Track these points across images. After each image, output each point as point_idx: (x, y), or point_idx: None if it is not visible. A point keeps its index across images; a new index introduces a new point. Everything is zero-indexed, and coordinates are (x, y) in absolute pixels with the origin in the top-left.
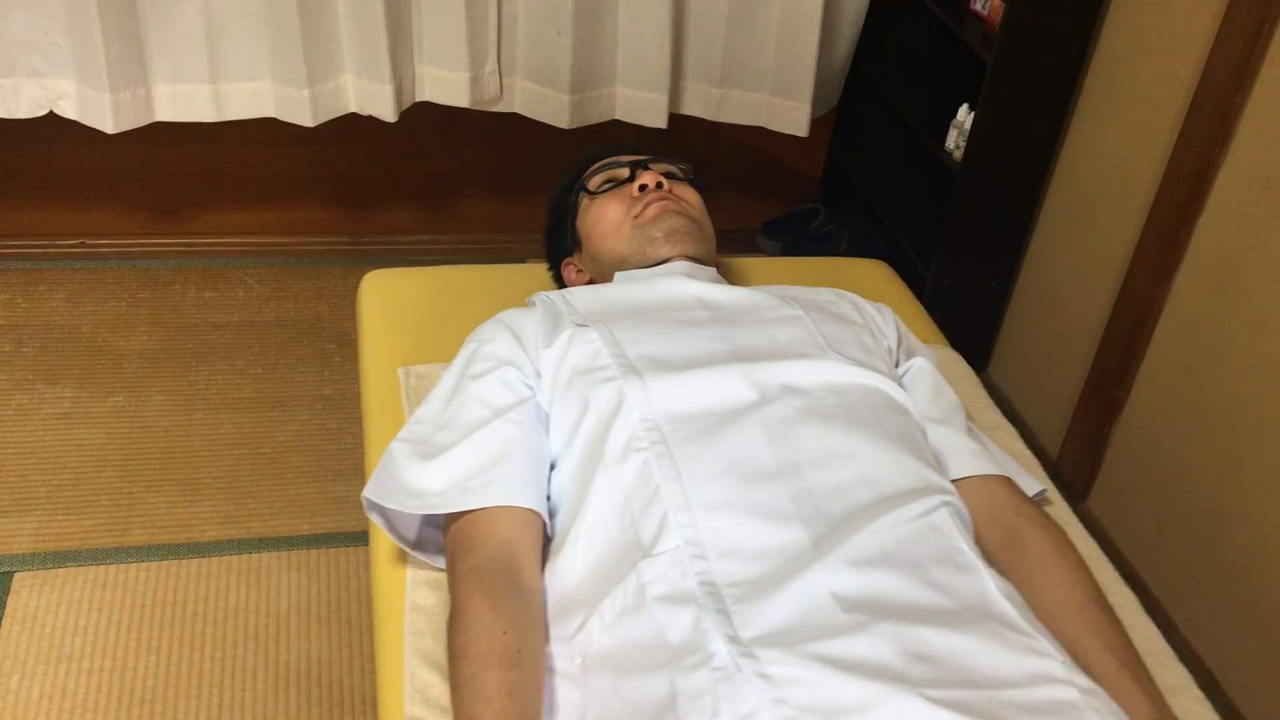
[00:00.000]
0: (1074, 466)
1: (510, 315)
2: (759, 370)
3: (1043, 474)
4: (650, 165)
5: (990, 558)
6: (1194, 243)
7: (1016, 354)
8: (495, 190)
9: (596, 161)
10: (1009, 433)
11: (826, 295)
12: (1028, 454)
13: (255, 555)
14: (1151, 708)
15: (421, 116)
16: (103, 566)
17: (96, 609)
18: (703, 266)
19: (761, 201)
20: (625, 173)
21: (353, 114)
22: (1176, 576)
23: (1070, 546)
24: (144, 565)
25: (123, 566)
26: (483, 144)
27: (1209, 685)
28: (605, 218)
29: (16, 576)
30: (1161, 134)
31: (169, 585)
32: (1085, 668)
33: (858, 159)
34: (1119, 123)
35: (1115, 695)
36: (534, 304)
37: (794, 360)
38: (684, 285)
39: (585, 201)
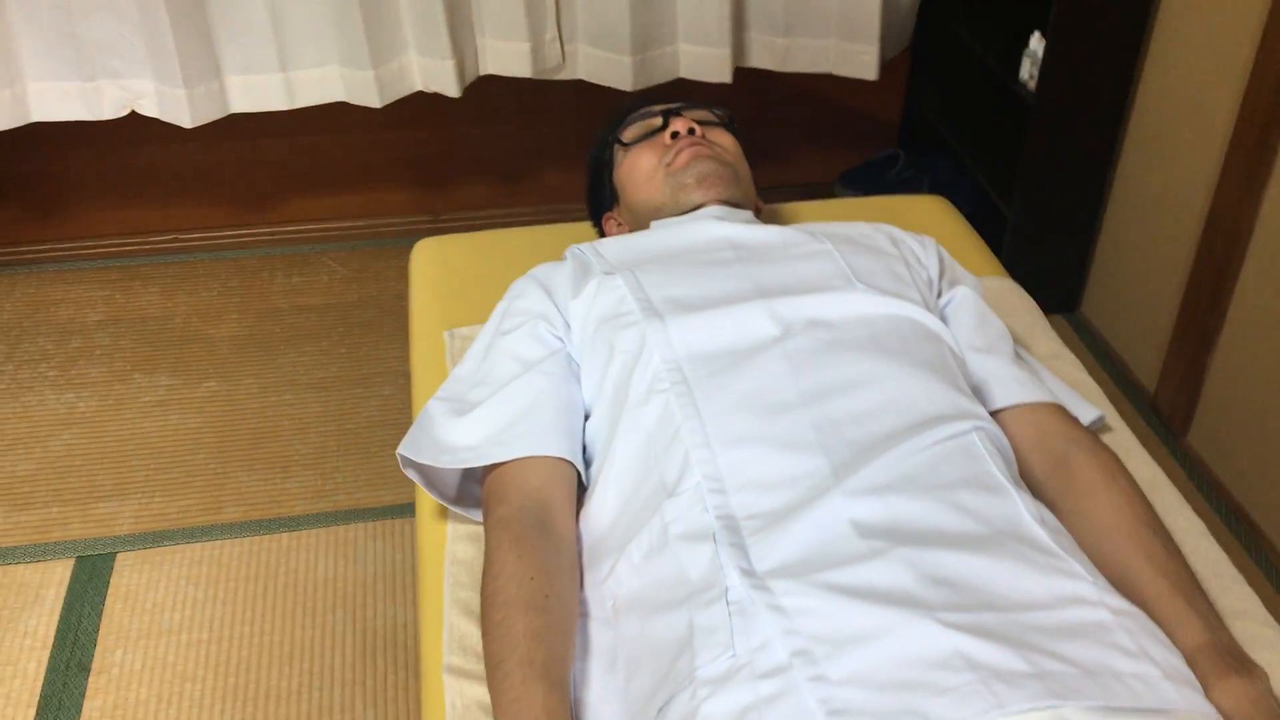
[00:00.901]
0: (1172, 402)
1: (541, 270)
2: (782, 305)
3: (1104, 401)
4: (683, 112)
5: (1039, 485)
6: None
7: (1109, 289)
8: (570, 159)
9: (630, 113)
10: (1068, 361)
11: (861, 229)
12: (1089, 381)
13: (342, 527)
14: (1205, 630)
15: (492, 90)
16: (198, 544)
17: (193, 585)
18: (737, 210)
19: (840, 151)
20: (658, 122)
21: (424, 94)
22: None
23: (1122, 470)
24: (237, 541)
25: (217, 543)
26: (555, 113)
27: None
28: (639, 167)
29: (119, 557)
30: (1243, 46)
31: (261, 559)
32: (1136, 591)
33: (935, 100)
34: (1198, 37)
35: (1167, 618)
36: (566, 257)
37: (819, 294)
38: (713, 228)
39: (620, 154)
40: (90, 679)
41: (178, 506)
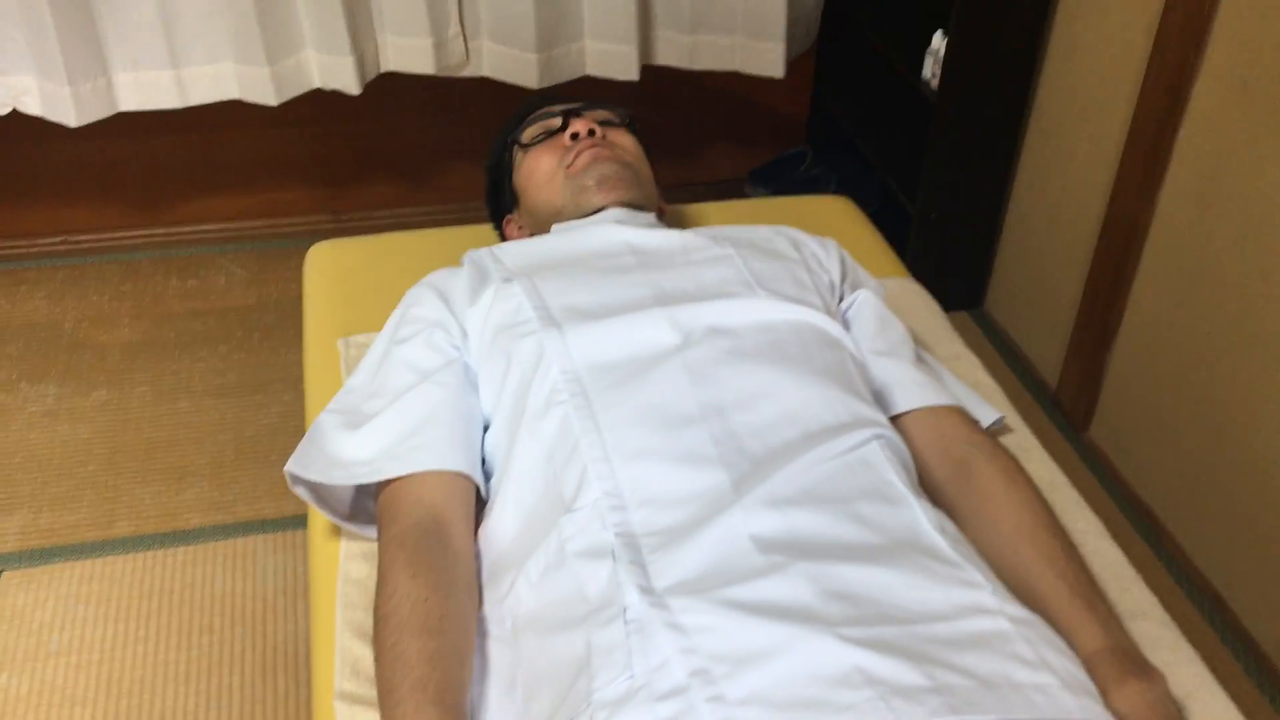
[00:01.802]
0: (1074, 397)
1: (438, 276)
2: (682, 312)
3: (1005, 401)
4: (583, 113)
5: (940, 489)
6: (1176, 155)
7: (1012, 285)
8: (476, 157)
9: (529, 114)
10: (970, 361)
11: (763, 233)
12: (990, 382)
13: (241, 539)
14: (1104, 634)
15: (393, 88)
16: (89, 560)
17: (83, 603)
18: (639, 213)
19: (750, 149)
20: (558, 122)
21: (326, 92)
22: (1181, 501)
23: (1021, 474)
24: (130, 556)
25: (109, 559)
26: (460, 111)
27: (1217, 608)
28: (538, 169)
29: (4, 575)
30: (1137, 46)
31: (155, 575)
32: (1036, 596)
33: (842, 98)
34: (1095, 38)
35: (1066, 622)
36: (464, 263)
37: (719, 300)
38: (614, 232)
39: (519, 155)
40: None
41: (66, 521)
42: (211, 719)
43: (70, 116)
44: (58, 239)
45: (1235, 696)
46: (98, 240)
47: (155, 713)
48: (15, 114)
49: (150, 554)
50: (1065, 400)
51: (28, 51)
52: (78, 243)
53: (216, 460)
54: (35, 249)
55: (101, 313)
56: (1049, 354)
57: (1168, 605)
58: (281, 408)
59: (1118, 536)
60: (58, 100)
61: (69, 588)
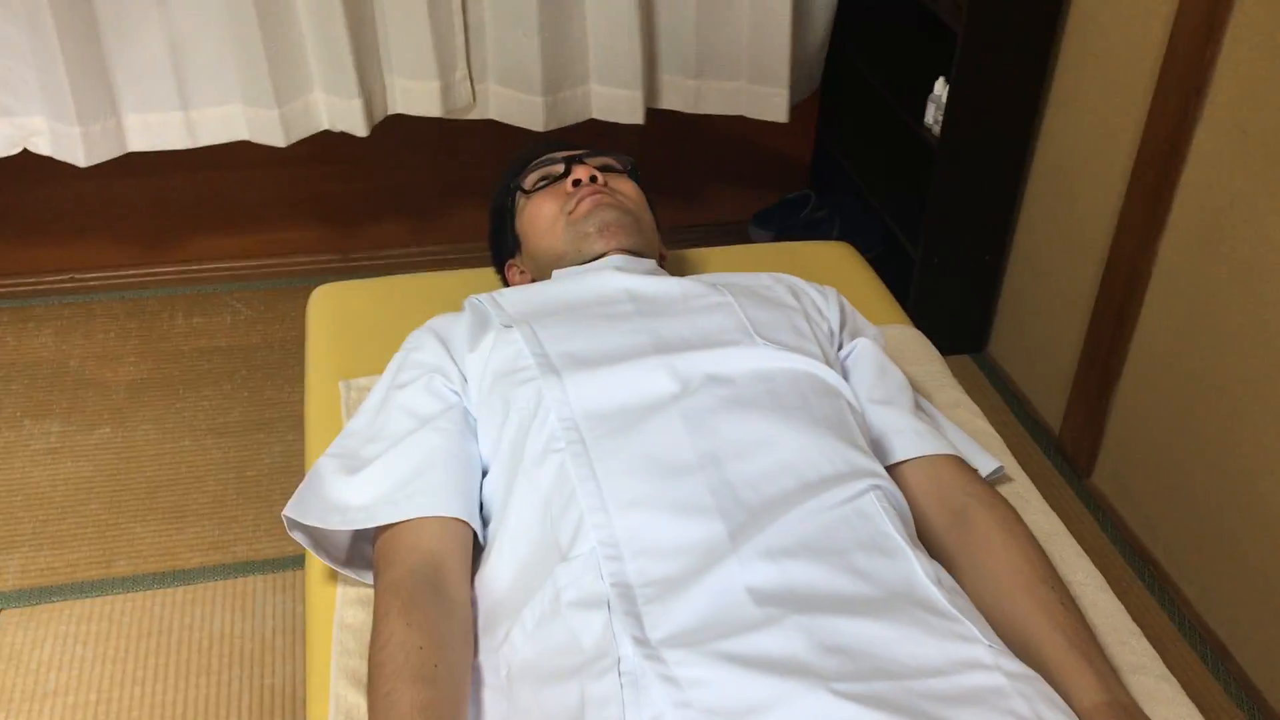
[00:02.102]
0: (1076, 442)
1: (439, 321)
2: (680, 361)
3: (1004, 450)
4: (585, 160)
5: (938, 539)
6: (1177, 202)
7: (1014, 330)
8: (482, 199)
9: (532, 160)
10: (969, 409)
11: (762, 280)
12: (988, 429)
13: (240, 579)
14: (1101, 688)
15: (402, 129)
16: (88, 600)
17: (82, 643)
18: (639, 259)
19: (753, 191)
20: (560, 169)
21: (334, 133)
22: (1186, 549)
23: (1019, 524)
24: (129, 596)
25: (108, 598)
26: (467, 153)
27: (1222, 658)
28: (540, 215)
29: (3, 614)
30: (1138, 93)
31: (154, 615)
32: (1033, 649)
33: (844, 143)
34: (1096, 85)
35: (1063, 676)
36: (465, 308)
37: (718, 349)
38: (613, 279)
39: (522, 201)
40: None
41: (67, 560)
42: None
43: (79, 157)
44: (65, 276)
45: None
46: (105, 278)
47: None
48: (25, 153)
49: (149, 593)
50: (1068, 445)
51: (39, 92)
52: (85, 280)
53: (218, 499)
54: (42, 286)
55: (107, 350)
56: (1052, 399)
57: (1170, 655)
58: (284, 447)
59: (1119, 584)
60: (67, 140)
61: (68, 627)
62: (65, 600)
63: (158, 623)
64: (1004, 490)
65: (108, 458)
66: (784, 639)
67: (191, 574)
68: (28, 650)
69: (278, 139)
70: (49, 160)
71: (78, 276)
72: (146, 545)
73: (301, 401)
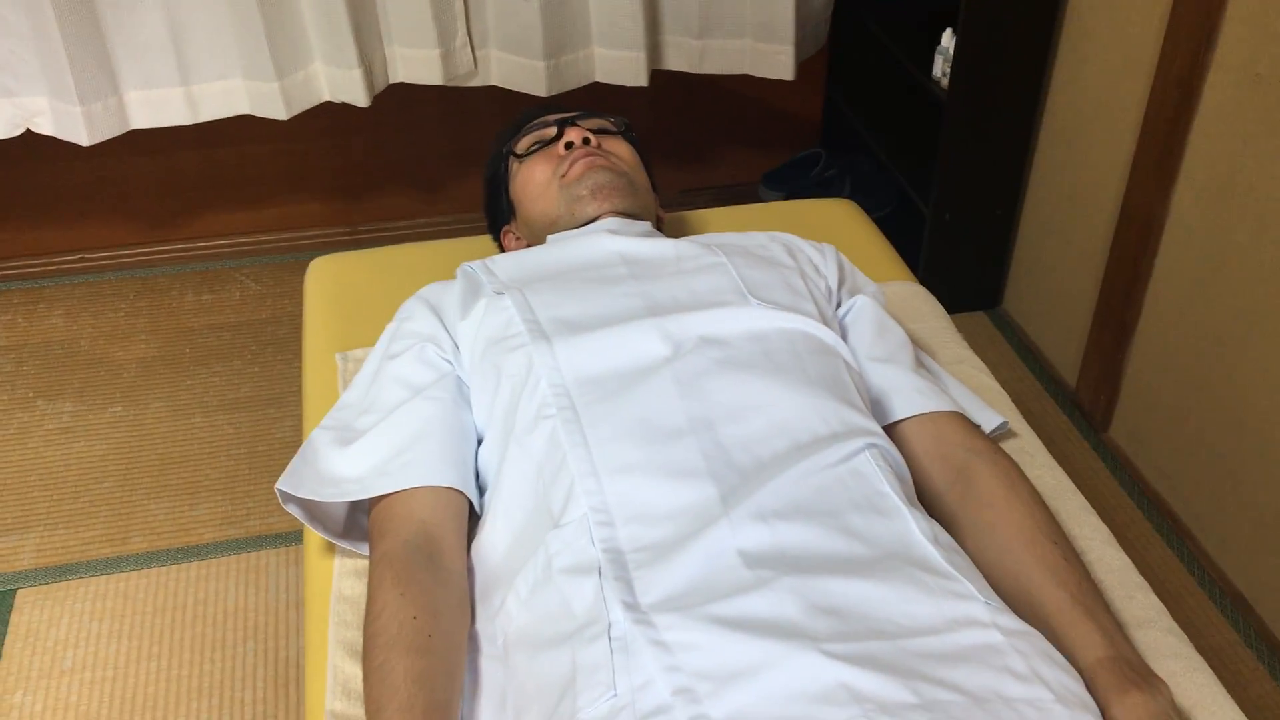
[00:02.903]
0: (1092, 397)
1: (431, 290)
2: (673, 323)
3: (1010, 406)
4: (578, 121)
5: (940, 497)
6: (1190, 150)
7: (1028, 285)
8: None
9: (525, 124)
10: (974, 365)
11: (757, 239)
12: (993, 385)
13: (254, 554)
14: (1105, 643)
15: (405, 99)
16: (103, 577)
17: (97, 620)
18: (633, 222)
19: (763, 152)
20: (552, 132)
21: (337, 104)
22: (1204, 501)
23: (1022, 480)
24: (144, 572)
25: (123, 575)
26: (472, 120)
27: (1241, 610)
28: (533, 180)
29: (19, 594)
30: (1149, 40)
31: (169, 591)
32: (1037, 605)
33: (853, 100)
34: (1106, 31)
35: (1066, 631)
36: (457, 276)
37: (711, 309)
38: (607, 242)
39: (515, 166)
40: None
41: (81, 538)
42: None
43: (82, 136)
44: (75, 257)
45: (1259, 699)
46: (114, 257)
47: None
48: (29, 134)
49: (164, 569)
50: (1084, 400)
51: (39, 73)
52: (94, 260)
53: (230, 475)
54: (53, 267)
55: (118, 329)
56: (1067, 353)
57: (1190, 608)
58: (294, 421)
59: (1139, 539)
60: (70, 120)
61: (83, 605)
62: (80, 578)
63: (172, 598)
64: (1009, 446)
65: (120, 436)
66: (775, 601)
67: (205, 549)
68: (44, 628)
69: (279, 112)
70: (53, 140)
71: (87, 256)
72: (160, 522)
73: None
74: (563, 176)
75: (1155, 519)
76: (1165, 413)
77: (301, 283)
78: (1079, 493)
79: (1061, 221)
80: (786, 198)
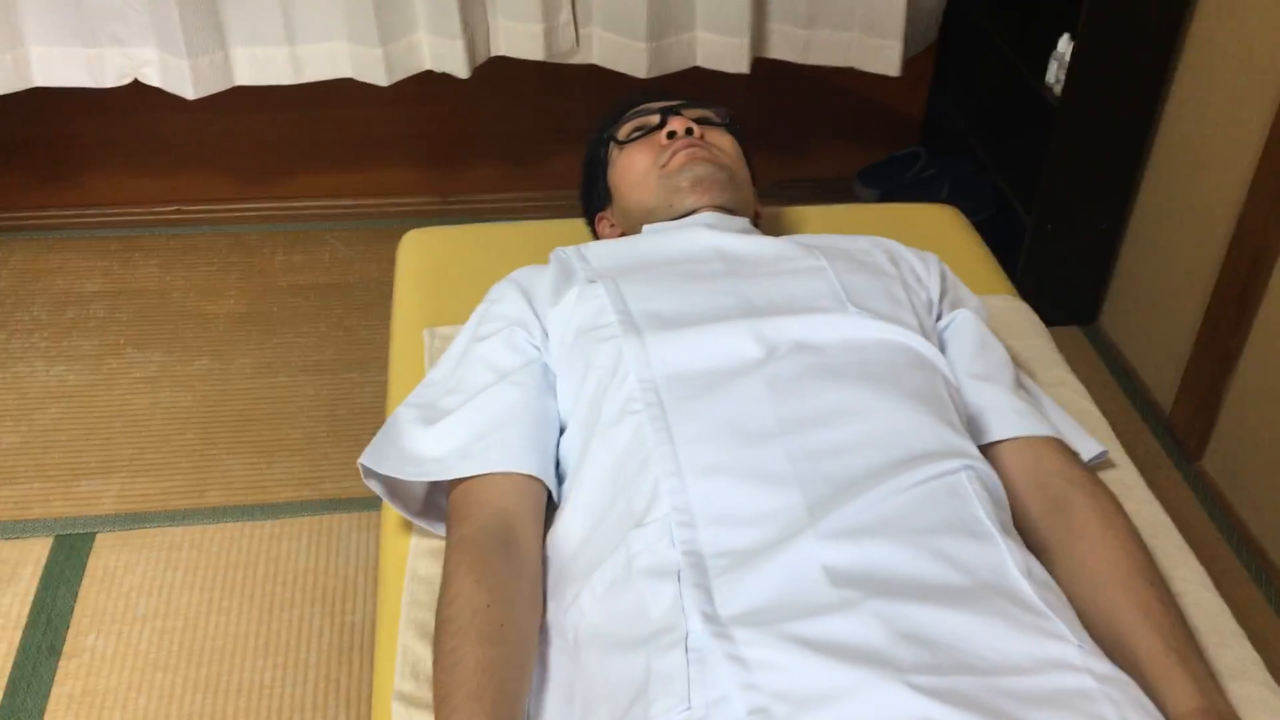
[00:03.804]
0: (1188, 424)
1: (523, 273)
2: (768, 325)
3: (1109, 434)
4: (682, 111)
5: (1033, 526)
6: None
7: (1128, 303)
8: (580, 146)
9: (628, 109)
10: (1074, 389)
11: (860, 244)
12: (1093, 410)
13: (327, 517)
14: (1198, 694)
15: (505, 72)
16: (179, 528)
17: (171, 569)
18: (732, 217)
19: (860, 147)
20: (655, 119)
21: (437, 74)
22: None
23: (1120, 514)
24: (218, 527)
25: (198, 528)
26: (568, 98)
27: None
28: (633, 168)
29: (98, 538)
30: (1277, 58)
31: (241, 546)
32: (1128, 648)
33: (959, 100)
34: (1232, 46)
35: (1158, 679)
36: (550, 260)
37: (808, 315)
38: (704, 236)
39: (615, 152)
40: (61, 663)
41: (161, 488)
42: (285, 696)
43: (188, 89)
44: (171, 208)
45: None
46: (209, 211)
47: (234, 683)
48: (135, 84)
49: (238, 525)
50: (1178, 426)
51: (149, 24)
52: (189, 212)
53: (309, 436)
54: (149, 217)
55: (209, 283)
56: (1164, 377)
57: (1275, 651)
58: (375, 389)
59: (1224, 574)
60: (177, 72)
61: (158, 553)
62: (157, 527)
63: (245, 554)
64: (1107, 476)
65: (205, 389)
66: (860, 625)
67: (280, 508)
68: (120, 574)
69: (380, 78)
70: (157, 92)
71: (183, 209)
72: (238, 477)
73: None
74: (663, 166)
75: (1244, 556)
76: (1264, 446)
77: (390, 249)
78: (1176, 530)
79: (1169, 241)
80: (882, 196)
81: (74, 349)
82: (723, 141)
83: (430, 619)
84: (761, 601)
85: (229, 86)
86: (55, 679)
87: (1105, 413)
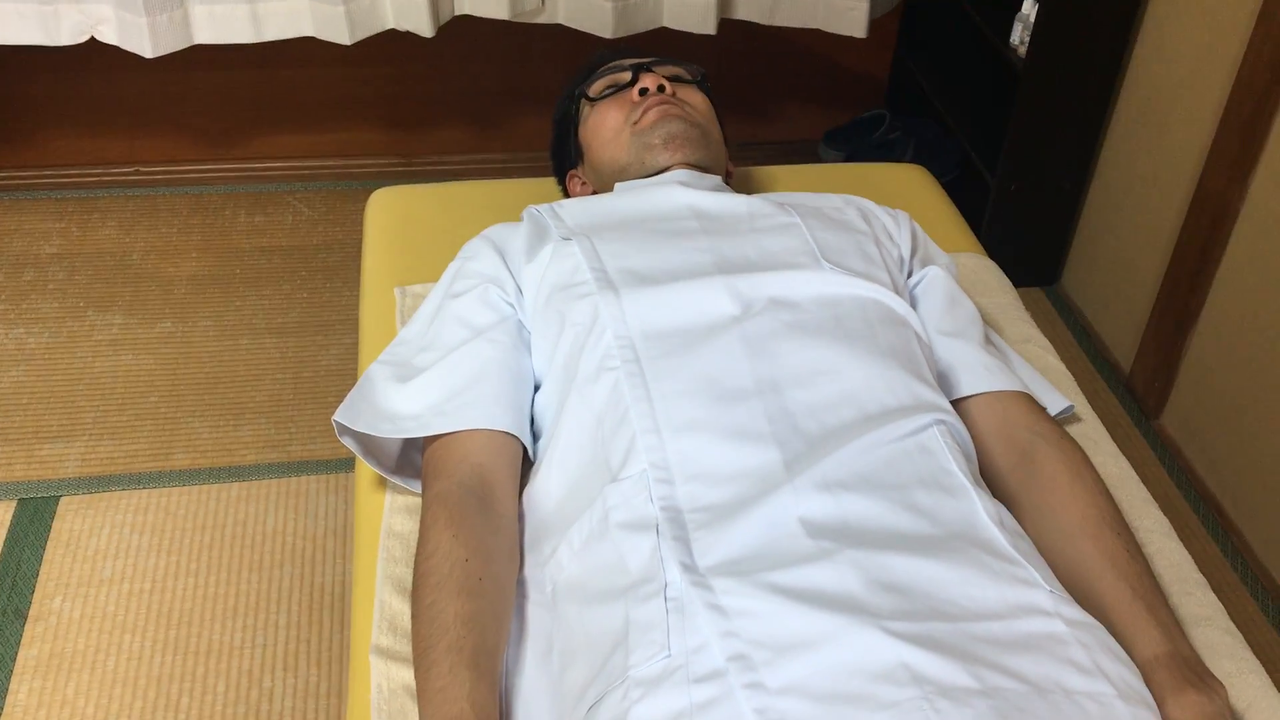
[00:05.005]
0: (1147, 382)
1: (497, 231)
2: (743, 282)
3: (1075, 389)
4: (654, 68)
5: (1002, 479)
6: (1274, 134)
7: (1089, 263)
8: (546, 107)
9: (599, 67)
10: (1041, 345)
11: (832, 201)
12: (1059, 367)
13: (295, 479)
14: (1165, 639)
15: (471, 32)
16: (145, 491)
17: (138, 532)
18: (705, 175)
19: (825, 109)
20: (627, 76)
21: (401, 33)
22: (1253, 498)
23: (1087, 466)
24: (185, 489)
25: (164, 490)
26: (534, 58)
27: None
28: (604, 125)
29: (62, 501)
30: (1240, 18)
31: (209, 509)
32: (1095, 595)
33: (924, 62)
34: (1195, 8)
35: (1125, 625)
36: (523, 218)
37: (783, 271)
38: (678, 194)
39: (586, 109)
40: (27, 627)
41: (126, 451)
42: (256, 655)
43: (146, 47)
44: (130, 169)
45: None
46: (168, 172)
47: (202, 644)
48: (92, 43)
49: (205, 488)
50: (1138, 385)
51: None
52: (148, 173)
53: (274, 399)
54: (107, 178)
55: (170, 244)
56: (1124, 336)
57: (1232, 606)
58: (341, 350)
59: (1183, 530)
60: (134, 30)
61: (124, 516)
62: (123, 490)
63: (212, 517)
64: (1073, 431)
65: (168, 352)
66: (837, 574)
67: (247, 470)
68: (86, 537)
69: (343, 36)
70: (114, 51)
71: (142, 169)
72: (204, 440)
73: (359, 305)
74: (635, 123)
75: (1201, 511)
76: (1221, 404)
77: (353, 211)
78: (1141, 483)
79: (1130, 201)
80: (847, 158)
81: (33, 311)
82: (695, 99)
83: (407, 575)
84: (739, 553)
85: (188, 45)
86: (21, 642)
87: (1069, 371)
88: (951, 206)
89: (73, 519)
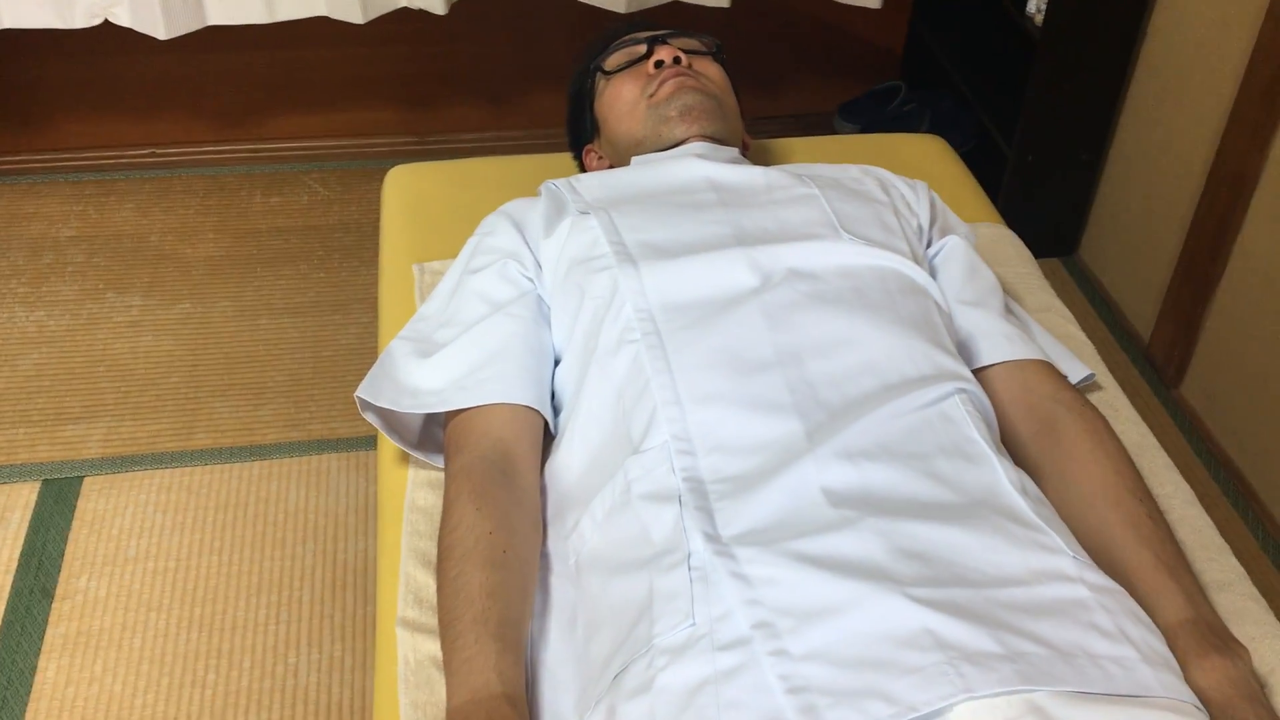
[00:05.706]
0: (1166, 352)
1: (514, 206)
2: (762, 253)
3: (1095, 358)
4: (669, 40)
5: (1024, 447)
6: None
7: (1108, 233)
8: (561, 83)
9: (614, 40)
10: (1061, 314)
11: (850, 172)
12: (1079, 335)
13: (315, 457)
14: (1188, 605)
15: (484, 10)
16: (168, 470)
17: (161, 511)
18: (721, 147)
19: (840, 82)
20: (642, 49)
21: (414, 11)
22: (1274, 464)
23: (1109, 434)
24: (207, 468)
25: (187, 470)
26: (547, 35)
27: None
28: (620, 98)
29: (86, 481)
30: None
31: (231, 488)
32: (1119, 562)
33: (940, 32)
34: None
35: (1148, 591)
36: (541, 193)
37: (802, 242)
38: (695, 167)
39: (602, 83)
40: (54, 605)
41: (148, 431)
42: (280, 631)
43: (160, 29)
44: (146, 151)
45: None
46: (185, 154)
47: (227, 622)
48: (106, 25)
49: (227, 467)
50: (1157, 355)
51: None
52: (165, 155)
53: (294, 378)
54: (124, 160)
55: (187, 226)
56: (1143, 306)
57: (1253, 573)
58: (359, 329)
59: (1204, 499)
60: (148, 12)
61: (148, 496)
62: (146, 470)
63: (234, 495)
64: (1094, 398)
65: (188, 333)
66: (859, 541)
67: (268, 450)
68: (109, 517)
69: (355, 15)
70: (129, 33)
71: (158, 151)
72: (225, 420)
73: (376, 284)
74: (651, 96)
75: (1222, 480)
76: (1242, 374)
77: (369, 190)
78: (1162, 450)
79: (1149, 171)
80: (863, 130)
81: (53, 294)
82: (710, 70)
83: (431, 548)
84: (762, 522)
85: (201, 26)
86: (49, 620)
87: (1089, 340)
88: (970, 176)
89: (96, 499)
